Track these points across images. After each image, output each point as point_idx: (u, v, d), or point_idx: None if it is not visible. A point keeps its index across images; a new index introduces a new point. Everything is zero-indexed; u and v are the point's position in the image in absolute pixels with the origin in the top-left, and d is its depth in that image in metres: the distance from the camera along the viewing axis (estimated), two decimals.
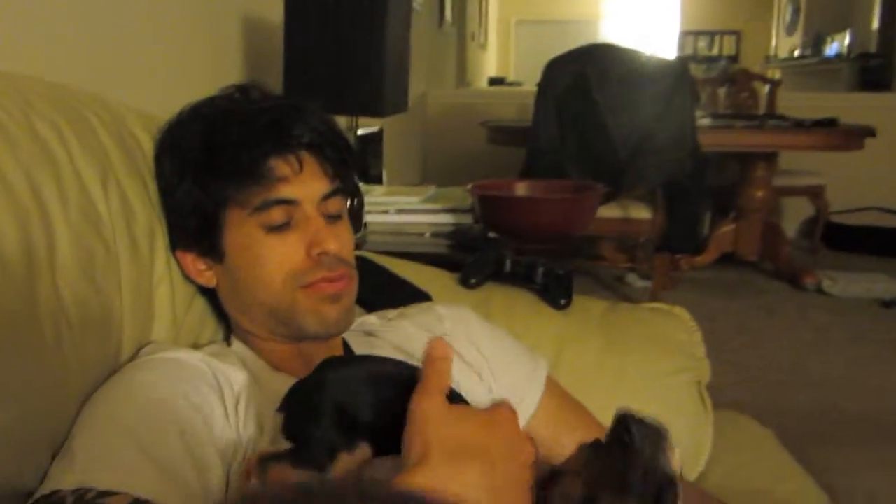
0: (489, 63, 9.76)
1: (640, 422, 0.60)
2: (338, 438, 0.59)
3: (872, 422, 2.33)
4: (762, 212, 3.75)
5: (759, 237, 3.79)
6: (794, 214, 4.67)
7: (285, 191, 0.77)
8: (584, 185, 1.62)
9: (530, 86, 6.11)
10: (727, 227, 3.80)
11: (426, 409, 0.56)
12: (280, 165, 0.77)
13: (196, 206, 0.79)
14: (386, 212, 1.58)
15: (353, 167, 0.87)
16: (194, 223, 0.80)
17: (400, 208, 1.60)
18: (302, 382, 0.62)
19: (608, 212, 2.94)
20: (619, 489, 0.58)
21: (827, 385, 2.60)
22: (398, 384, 0.60)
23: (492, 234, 1.54)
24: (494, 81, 8.43)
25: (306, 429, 0.57)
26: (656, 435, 0.60)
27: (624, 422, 0.60)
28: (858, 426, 2.30)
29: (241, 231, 0.78)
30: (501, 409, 0.60)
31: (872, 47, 6.60)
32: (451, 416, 0.57)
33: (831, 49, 7.41)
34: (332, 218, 0.81)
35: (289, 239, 0.78)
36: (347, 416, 0.59)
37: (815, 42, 7.68)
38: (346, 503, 0.30)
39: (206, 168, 0.78)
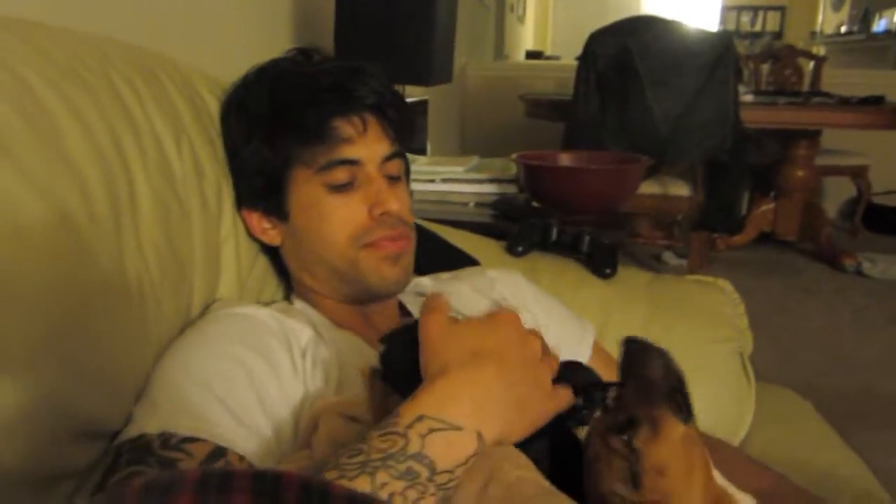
0: (527, 36, 9.67)
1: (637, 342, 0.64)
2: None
3: None
4: (803, 191, 3.71)
5: (799, 217, 3.74)
6: (836, 195, 4.60)
7: (349, 151, 0.80)
8: (628, 156, 1.62)
9: (568, 60, 6.06)
10: (766, 206, 3.76)
11: (433, 328, 0.61)
12: (344, 126, 0.80)
13: (262, 165, 0.82)
14: (432, 181, 1.61)
15: (412, 131, 0.89)
16: (260, 182, 0.83)
17: (445, 177, 1.63)
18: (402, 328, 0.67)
19: (646, 188, 2.93)
20: (647, 400, 0.60)
21: (864, 366, 2.59)
22: None
23: (535, 204, 1.55)
24: (531, 55, 8.35)
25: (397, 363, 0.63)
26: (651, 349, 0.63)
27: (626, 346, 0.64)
28: (894, 408, 2.29)
29: (306, 190, 0.81)
30: (500, 313, 0.64)
31: None
32: (457, 329, 0.61)
33: (879, 25, 7.23)
34: (393, 179, 0.84)
35: (352, 198, 0.81)
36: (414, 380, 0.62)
37: (863, 18, 7.49)
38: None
39: (273, 127, 0.81)
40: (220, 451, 0.62)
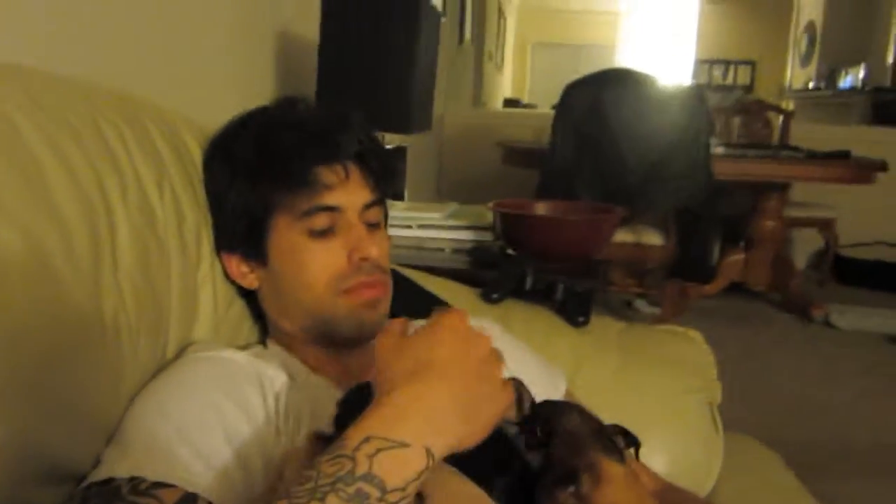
0: (505, 84, 9.85)
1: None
2: None
3: (877, 455, 2.34)
4: (773, 242, 3.78)
5: (769, 268, 3.81)
6: (804, 246, 4.70)
7: (331, 198, 0.82)
8: (603, 206, 1.66)
9: (545, 108, 6.18)
10: (737, 257, 3.83)
11: (382, 349, 0.62)
12: (327, 174, 0.82)
13: (245, 209, 0.83)
14: (409, 227, 1.63)
15: (392, 179, 0.91)
16: (242, 226, 0.84)
17: (422, 223, 1.65)
18: (360, 385, 0.67)
19: (620, 237, 2.98)
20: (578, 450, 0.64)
21: (832, 416, 2.62)
22: None
23: (510, 252, 1.57)
24: (509, 103, 8.51)
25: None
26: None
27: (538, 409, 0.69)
28: (863, 459, 2.31)
29: (287, 236, 0.82)
30: (442, 316, 0.64)
31: (887, 81, 6.66)
32: (403, 343, 0.62)
33: (845, 82, 7.47)
34: (372, 226, 0.86)
35: (332, 245, 0.82)
36: None
37: (830, 74, 7.74)
38: None
39: (258, 173, 0.83)
40: (190, 498, 0.62)
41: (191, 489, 0.63)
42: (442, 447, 0.56)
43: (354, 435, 0.55)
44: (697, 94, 2.99)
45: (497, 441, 0.69)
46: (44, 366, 0.59)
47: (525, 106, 8.32)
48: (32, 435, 0.59)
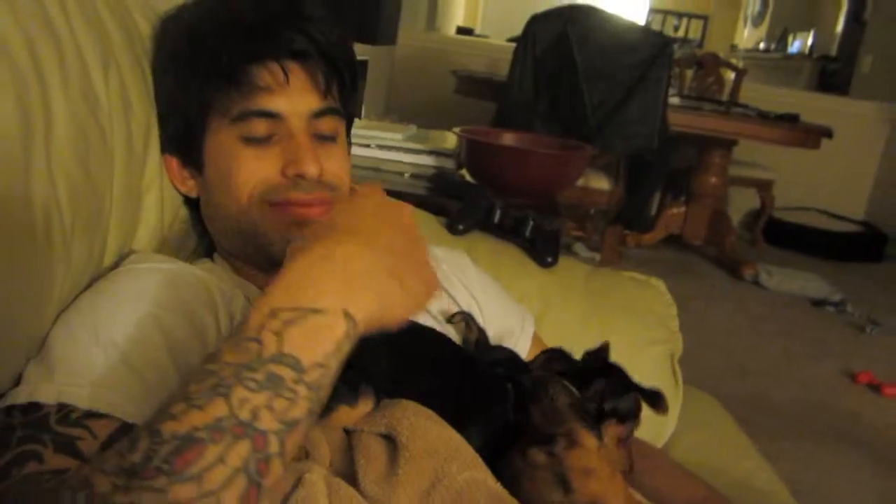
0: (458, 12, 9.59)
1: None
2: (340, 387, 0.55)
3: (795, 413, 2.42)
4: (713, 198, 3.82)
5: (707, 223, 3.86)
6: (739, 205, 4.78)
7: (268, 102, 0.72)
8: (573, 143, 1.59)
9: (498, 39, 6.03)
10: (677, 209, 3.86)
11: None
12: (262, 73, 0.71)
13: (178, 107, 0.73)
14: (367, 146, 1.52)
15: (354, 88, 0.81)
16: (177, 125, 0.74)
17: (381, 144, 1.55)
18: None
19: None
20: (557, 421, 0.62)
21: (757, 375, 2.69)
22: (406, 338, 0.57)
23: (472, 182, 1.50)
24: (462, 31, 8.29)
25: None
26: None
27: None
28: (782, 417, 2.39)
29: (219, 140, 0.73)
30: (359, 189, 0.59)
31: (833, 50, 6.75)
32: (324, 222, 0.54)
33: (794, 46, 7.55)
34: (324, 139, 0.75)
35: (266, 153, 0.72)
36: (354, 371, 0.55)
37: (780, 37, 7.81)
38: None
39: (187, 67, 0.72)
40: (126, 429, 0.53)
41: (129, 419, 0.54)
42: (364, 310, 0.48)
43: (256, 312, 0.46)
44: (664, 41, 2.93)
45: (477, 385, 0.65)
46: None
47: (478, 35, 8.13)
48: None
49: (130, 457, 0.41)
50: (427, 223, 1.13)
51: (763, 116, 3.46)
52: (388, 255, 0.52)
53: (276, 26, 0.72)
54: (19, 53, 0.57)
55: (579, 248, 3.85)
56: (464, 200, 1.17)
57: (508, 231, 1.14)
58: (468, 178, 1.50)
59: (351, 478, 0.54)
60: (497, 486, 0.53)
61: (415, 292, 0.53)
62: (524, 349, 0.89)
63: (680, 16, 10.92)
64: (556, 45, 2.87)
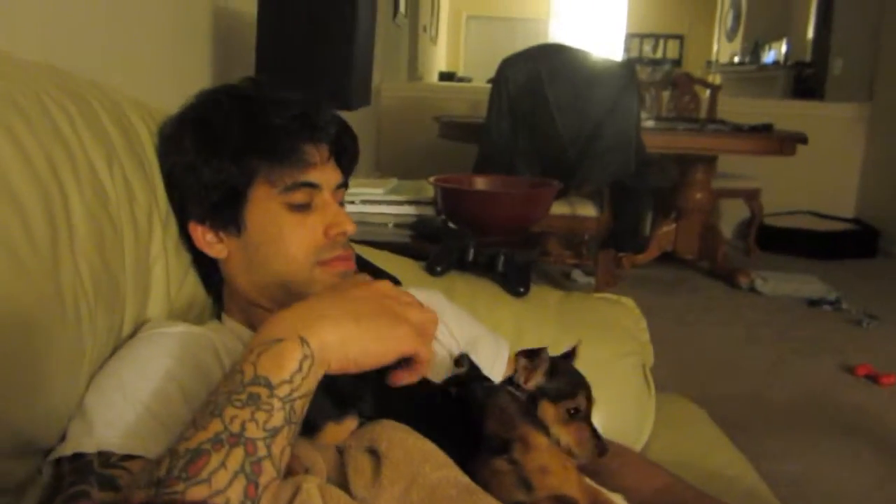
0: (440, 57, 9.83)
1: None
2: (330, 410, 0.67)
3: (791, 412, 2.49)
4: (701, 213, 3.92)
5: (698, 237, 3.96)
6: (731, 216, 4.89)
7: (312, 175, 0.86)
8: (540, 181, 1.71)
9: (480, 81, 6.21)
10: (667, 227, 3.96)
11: None
12: (312, 152, 0.85)
13: (224, 180, 0.85)
14: (352, 202, 1.65)
15: (356, 163, 0.95)
16: (217, 197, 0.86)
17: (364, 199, 1.68)
18: None
19: (556, 209, 3.05)
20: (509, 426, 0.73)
21: (752, 377, 2.77)
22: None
23: (451, 225, 1.61)
24: (444, 76, 8.51)
25: None
26: None
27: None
28: (782, 415, 2.46)
29: (266, 207, 0.85)
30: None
31: (807, 56, 6.91)
32: None
33: (769, 56, 7.72)
34: (340, 206, 0.89)
35: (307, 220, 0.86)
36: (339, 392, 0.67)
37: (754, 49, 7.98)
38: None
39: (243, 147, 0.85)
40: None
41: (156, 458, 0.65)
42: (321, 339, 0.60)
43: (243, 354, 0.60)
44: (629, 69, 3.07)
45: (434, 406, 0.75)
46: (8, 345, 0.60)
47: (460, 79, 8.34)
48: (2, 412, 0.60)
49: (157, 472, 0.53)
50: (408, 268, 1.25)
51: (737, 129, 3.58)
52: (349, 303, 0.64)
53: (318, 115, 0.87)
54: (41, 166, 0.69)
55: (577, 274, 3.95)
56: (440, 244, 1.29)
57: (483, 267, 1.25)
58: (448, 222, 1.62)
59: (345, 488, 0.64)
60: (466, 480, 0.64)
61: (387, 338, 0.65)
62: (500, 371, 0.99)
63: (657, 37, 11.17)
64: (529, 85, 3.01)
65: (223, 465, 0.53)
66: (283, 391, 0.57)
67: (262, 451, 0.55)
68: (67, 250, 0.70)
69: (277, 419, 0.56)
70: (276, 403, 0.56)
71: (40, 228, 0.66)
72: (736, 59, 8.47)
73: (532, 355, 0.77)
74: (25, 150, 0.68)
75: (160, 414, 0.69)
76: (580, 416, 0.75)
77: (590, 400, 0.77)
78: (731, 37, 8.94)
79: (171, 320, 0.87)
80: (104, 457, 0.65)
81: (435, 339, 0.96)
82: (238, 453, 0.54)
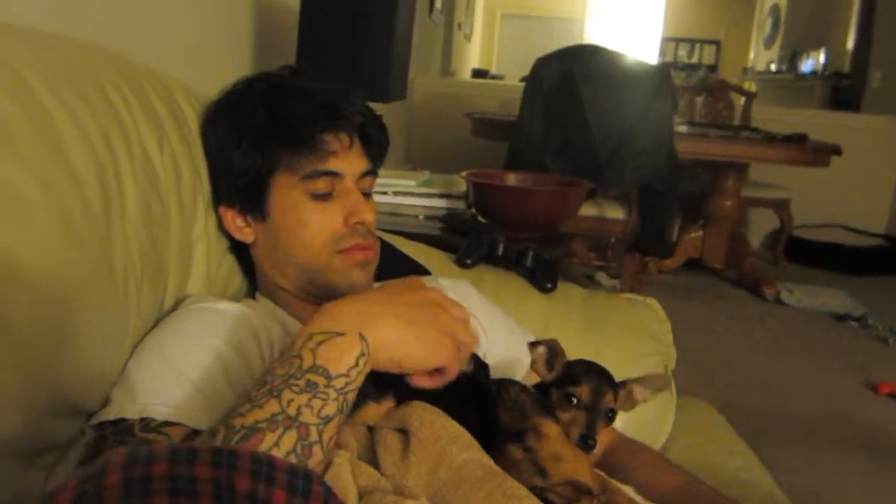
0: (473, 54, 9.84)
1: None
2: (370, 389, 0.69)
3: (816, 426, 2.48)
4: (730, 221, 3.90)
5: (726, 245, 3.94)
6: (760, 226, 4.85)
7: (333, 164, 0.87)
8: (570, 180, 1.73)
9: (512, 79, 6.21)
10: (695, 234, 3.95)
11: None
12: (332, 140, 0.87)
13: (249, 166, 0.88)
14: (384, 193, 1.68)
15: (386, 152, 0.97)
16: (244, 182, 0.89)
17: (397, 190, 1.70)
18: None
19: (584, 210, 3.04)
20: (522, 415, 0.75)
21: (777, 389, 2.75)
22: None
23: (481, 220, 1.64)
24: (477, 73, 8.51)
25: None
26: None
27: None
28: (802, 428, 2.45)
29: (288, 195, 0.88)
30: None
31: (846, 67, 6.82)
32: None
33: (806, 66, 7.63)
34: (365, 194, 0.91)
35: (329, 207, 0.88)
36: (378, 374, 0.70)
37: (792, 57, 7.89)
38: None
39: (267, 134, 0.87)
40: (195, 434, 0.68)
41: (195, 426, 0.69)
42: (377, 338, 0.63)
43: (299, 337, 0.62)
44: (664, 73, 3.06)
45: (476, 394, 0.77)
46: (64, 311, 0.64)
47: (493, 77, 8.34)
48: (52, 375, 0.64)
49: (212, 443, 0.55)
50: (438, 259, 1.27)
51: (770, 138, 3.56)
52: (403, 307, 0.67)
53: (342, 104, 0.89)
54: (98, 144, 0.73)
55: (601, 277, 3.95)
56: (470, 237, 1.31)
57: (511, 262, 1.27)
58: (478, 217, 1.64)
59: (374, 465, 0.67)
60: (490, 462, 0.66)
61: (432, 348, 0.67)
62: (525, 364, 1.01)
63: (693, 42, 11.07)
64: (563, 85, 3.01)
65: (277, 444, 0.55)
66: (340, 383, 0.60)
67: (313, 436, 0.57)
68: (119, 224, 0.73)
69: (331, 408, 0.59)
70: (332, 394, 0.59)
71: (95, 203, 0.70)
72: (773, 67, 8.39)
73: (537, 346, 0.80)
74: (83, 126, 0.72)
75: (200, 384, 0.72)
76: (581, 406, 0.77)
77: (598, 394, 0.78)
78: (768, 44, 8.85)
79: (209, 296, 0.90)
80: (145, 422, 0.68)
81: None
82: (292, 435, 0.56)
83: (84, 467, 0.40)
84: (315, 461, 0.57)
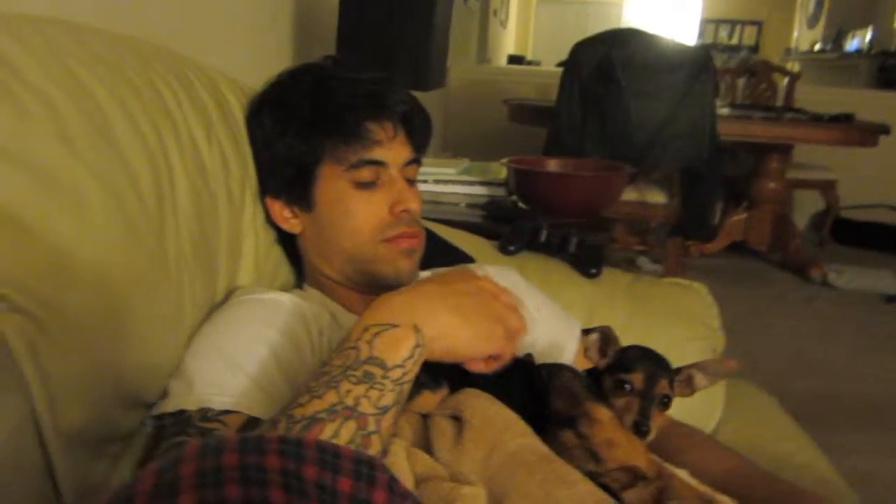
0: (509, 41, 9.78)
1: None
2: (425, 378, 0.70)
3: (869, 408, 2.43)
4: (774, 203, 3.83)
5: (770, 228, 3.87)
6: (805, 207, 4.75)
7: (378, 153, 0.88)
8: (612, 164, 1.71)
9: (548, 65, 6.16)
10: (739, 217, 3.88)
11: None
12: (377, 130, 0.88)
13: (295, 157, 0.89)
14: (424, 181, 1.68)
15: (429, 140, 0.97)
16: (290, 173, 0.90)
17: (437, 178, 1.70)
18: None
19: (624, 194, 3.02)
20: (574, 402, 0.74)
21: (827, 372, 2.70)
22: None
23: (523, 206, 1.63)
24: (513, 59, 8.46)
25: None
26: None
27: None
28: (855, 412, 2.40)
29: (334, 185, 0.89)
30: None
31: (893, 45, 6.63)
32: None
33: (852, 44, 7.43)
34: (410, 182, 0.92)
35: (375, 196, 0.88)
36: (433, 364, 0.70)
37: (836, 36, 7.69)
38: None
39: (312, 125, 0.88)
40: (253, 422, 0.70)
41: (251, 414, 0.70)
42: (431, 329, 0.64)
43: (355, 329, 0.63)
44: (704, 55, 3.01)
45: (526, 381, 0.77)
46: (122, 297, 0.65)
47: (529, 63, 8.29)
48: (116, 367, 0.66)
49: (273, 433, 0.56)
50: (481, 247, 1.27)
51: (816, 119, 3.48)
52: (456, 297, 0.67)
53: (385, 93, 0.90)
54: (150, 137, 0.74)
55: (643, 261, 3.92)
56: (512, 224, 1.31)
57: (555, 248, 1.27)
58: (519, 203, 1.64)
59: (427, 452, 0.67)
60: (544, 448, 0.66)
61: (485, 337, 0.68)
62: (572, 349, 1.01)
63: (733, 23, 10.85)
64: (601, 69, 2.98)
65: (336, 434, 0.56)
66: (396, 374, 0.60)
67: (371, 427, 0.58)
68: (171, 216, 0.75)
69: (388, 399, 0.59)
70: (388, 384, 0.60)
71: (149, 194, 0.71)
72: (817, 47, 8.18)
73: (590, 334, 0.79)
74: (137, 123, 0.73)
75: (254, 373, 0.74)
76: (633, 392, 0.76)
77: (652, 381, 0.77)
78: (812, 24, 8.64)
79: (259, 287, 0.91)
80: (204, 412, 0.69)
81: None
82: (350, 426, 0.57)
83: (158, 458, 0.41)
84: (373, 451, 0.58)
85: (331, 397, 0.58)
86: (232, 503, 0.36)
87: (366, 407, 0.58)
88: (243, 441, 0.40)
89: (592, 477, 0.65)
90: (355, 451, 0.43)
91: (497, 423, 0.66)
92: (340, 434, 0.56)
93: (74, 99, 0.67)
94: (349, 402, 0.58)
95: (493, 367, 0.70)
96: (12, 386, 0.56)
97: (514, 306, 0.71)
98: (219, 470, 0.38)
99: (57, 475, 0.59)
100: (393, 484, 0.41)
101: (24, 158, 0.60)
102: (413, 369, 0.62)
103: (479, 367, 0.70)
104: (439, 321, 0.65)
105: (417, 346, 0.62)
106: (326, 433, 0.56)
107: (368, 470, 0.41)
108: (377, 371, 0.60)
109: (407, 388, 0.62)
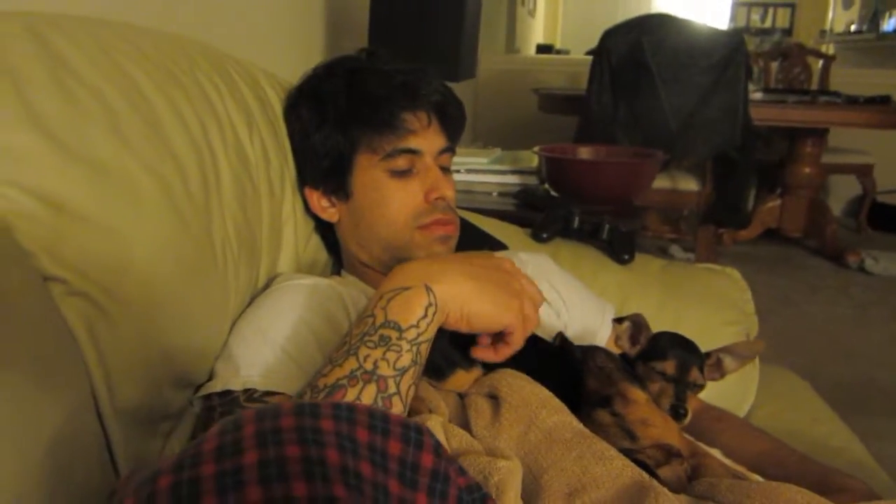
0: (537, 30, 9.72)
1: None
2: (458, 358, 0.72)
3: None
4: (809, 188, 3.78)
5: (805, 214, 3.82)
6: (841, 192, 4.68)
7: (412, 142, 0.90)
8: (644, 151, 1.72)
9: (578, 54, 6.11)
10: (773, 203, 3.84)
11: None
12: (411, 119, 0.90)
13: (332, 148, 0.92)
14: (457, 171, 1.70)
15: (463, 129, 0.99)
16: (328, 163, 0.93)
17: (469, 168, 1.72)
18: None
19: (656, 182, 3.00)
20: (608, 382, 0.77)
21: (863, 358, 2.68)
22: None
23: (555, 194, 1.64)
24: (542, 49, 8.41)
25: (436, 342, 0.70)
26: None
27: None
28: (890, 397, 2.38)
29: (370, 174, 0.91)
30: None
31: None
32: None
33: (889, 25, 7.27)
34: (444, 170, 0.94)
35: (410, 184, 0.91)
36: (466, 345, 0.72)
37: (873, 17, 7.53)
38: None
39: (348, 116, 0.91)
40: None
41: (293, 394, 0.73)
42: (444, 290, 0.65)
43: (372, 300, 0.66)
44: (736, 39, 2.98)
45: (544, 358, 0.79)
46: (173, 283, 0.68)
47: (558, 51, 8.23)
48: (167, 347, 0.69)
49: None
50: (514, 234, 1.29)
51: (852, 101, 3.43)
52: (471, 266, 0.69)
53: (419, 83, 0.93)
54: (196, 131, 0.77)
55: (675, 249, 3.90)
56: (545, 212, 1.32)
57: (587, 235, 1.28)
58: (551, 191, 1.65)
59: (465, 429, 0.70)
60: (579, 425, 0.68)
61: (503, 305, 0.68)
62: (605, 332, 1.03)
63: (766, 6, 10.66)
64: (631, 56, 2.97)
65: (358, 398, 0.59)
66: (411, 334, 0.63)
67: (391, 388, 0.60)
68: (217, 206, 0.78)
69: (406, 360, 0.62)
70: (405, 345, 0.62)
71: (196, 185, 0.74)
72: (853, 28, 8.02)
73: (622, 322, 0.81)
74: (183, 117, 0.76)
75: (296, 356, 0.76)
76: (668, 378, 0.78)
77: (685, 368, 0.79)
78: (847, 4, 8.46)
79: (299, 274, 0.94)
80: (249, 392, 0.72)
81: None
82: (371, 389, 0.60)
83: (217, 423, 0.44)
84: (395, 412, 0.60)
85: (350, 364, 0.60)
86: (293, 460, 0.38)
87: (385, 369, 0.60)
88: (299, 406, 0.42)
89: (627, 454, 0.67)
90: (402, 417, 0.45)
91: (533, 402, 0.68)
92: (362, 398, 0.59)
93: (126, 95, 0.71)
94: (368, 366, 0.60)
95: (502, 354, 0.71)
96: (74, 367, 0.59)
97: (530, 292, 0.72)
98: (279, 430, 0.40)
99: (115, 450, 0.62)
100: (439, 448, 0.44)
101: (81, 151, 0.63)
102: (429, 330, 0.64)
103: (488, 355, 0.71)
104: (453, 283, 0.66)
105: (430, 304, 0.64)
106: (348, 398, 0.59)
107: (416, 434, 0.43)
108: (393, 333, 0.62)
109: (424, 348, 0.64)
